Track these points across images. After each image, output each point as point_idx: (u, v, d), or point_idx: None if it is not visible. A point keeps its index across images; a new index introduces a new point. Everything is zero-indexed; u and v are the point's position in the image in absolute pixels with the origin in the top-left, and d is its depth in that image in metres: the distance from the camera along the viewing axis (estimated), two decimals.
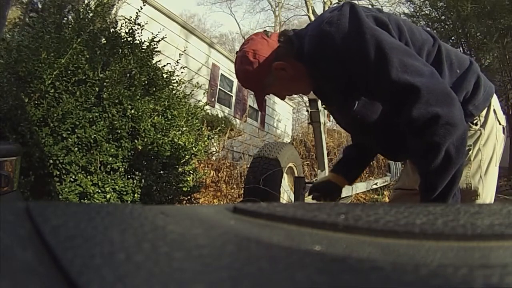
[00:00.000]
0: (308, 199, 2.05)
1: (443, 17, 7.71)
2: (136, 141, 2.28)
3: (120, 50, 2.51)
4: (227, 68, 8.69)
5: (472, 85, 0.95)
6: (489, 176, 1.00)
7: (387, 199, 4.12)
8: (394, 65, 0.81)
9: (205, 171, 3.38)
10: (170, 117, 2.53)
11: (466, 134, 0.84)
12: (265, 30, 1.02)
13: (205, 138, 2.79)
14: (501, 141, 1.04)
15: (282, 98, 1.11)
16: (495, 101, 1.02)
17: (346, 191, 2.28)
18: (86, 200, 2.13)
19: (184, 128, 2.63)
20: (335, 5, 0.98)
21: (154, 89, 2.56)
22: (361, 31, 0.84)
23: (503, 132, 1.05)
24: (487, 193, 1.01)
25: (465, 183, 0.98)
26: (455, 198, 0.86)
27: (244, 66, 0.98)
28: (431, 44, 0.95)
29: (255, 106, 8.61)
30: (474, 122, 0.99)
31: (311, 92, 1.08)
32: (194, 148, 2.58)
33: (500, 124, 1.03)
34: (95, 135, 2.16)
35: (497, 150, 1.02)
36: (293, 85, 1.01)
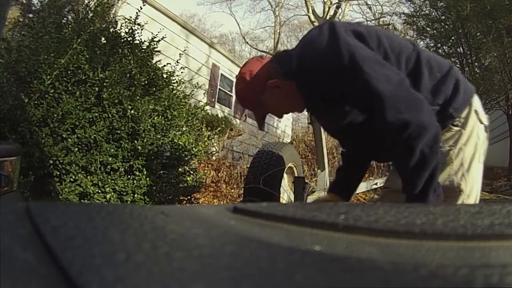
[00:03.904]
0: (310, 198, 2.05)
1: (443, 17, 7.71)
2: (136, 141, 2.28)
3: (120, 50, 2.50)
4: (227, 68, 8.68)
5: (451, 89, 1.02)
6: (471, 172, 1.05)
7: None
8: (365, 74, 0.90)
9: (205, 171, 3.38)
10: (170, 117, 2.52)
11: (438, 134, 0.91)
12: (260, 55, 1.12)
13: (205, 139, 2.78)
14: (483, 139, 1.09)
15: (280, 117, 1.21)
16: (476, 102, 1.07)
17: None
18: (86, 200, 2.13)
19: (184, 128, 2.63)
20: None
21: (154, 89, 2.55)
22: (337, 47, 0.93)
23: (485, 131, 1.11)
24: (471, 189, 1.05)
25: (448, 181, 1.03)
26: (436, 194, 0.93)
27: (241, 86, 1.08)
28: (410, 50, 1.03)
29: None
30: (455, 123, 1.05)
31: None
32: (194, 149, 2.58)
33: (481, 123, 1.09)
34: (95, 135, 2.15)
35: (479, 148, 1.07)
36: (287, 102, 1.09)
